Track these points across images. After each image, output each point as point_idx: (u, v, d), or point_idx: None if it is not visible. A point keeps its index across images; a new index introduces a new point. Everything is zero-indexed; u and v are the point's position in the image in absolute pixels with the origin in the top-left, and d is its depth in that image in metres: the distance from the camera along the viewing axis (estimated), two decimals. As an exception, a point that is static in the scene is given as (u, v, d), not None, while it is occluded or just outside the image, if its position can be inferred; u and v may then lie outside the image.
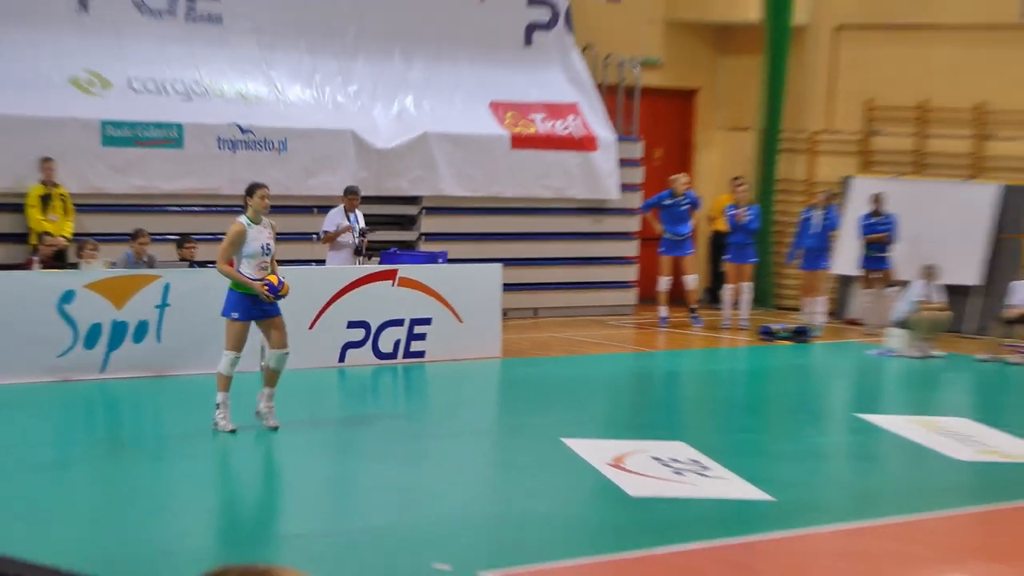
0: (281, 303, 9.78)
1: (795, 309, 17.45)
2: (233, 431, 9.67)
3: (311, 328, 11.93)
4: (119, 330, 11.53)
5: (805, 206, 16.53)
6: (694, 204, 15.60)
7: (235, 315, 9.19)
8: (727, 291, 15.94)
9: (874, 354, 15.13)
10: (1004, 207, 15.86)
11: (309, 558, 7.75)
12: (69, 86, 13.67)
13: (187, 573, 5.89)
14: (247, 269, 9.26)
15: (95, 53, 14.18)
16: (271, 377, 9.45)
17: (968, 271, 15.59)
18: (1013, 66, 16.89)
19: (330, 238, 12.73)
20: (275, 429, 9.68)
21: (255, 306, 9.37)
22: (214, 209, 14.08)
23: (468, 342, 13.14)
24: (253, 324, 9.40)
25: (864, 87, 18.17)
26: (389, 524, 8.72)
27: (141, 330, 11.61)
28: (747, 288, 15.75)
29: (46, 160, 12.84)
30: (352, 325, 12.46)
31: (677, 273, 15.78)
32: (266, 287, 9.35)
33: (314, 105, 14.94)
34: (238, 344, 9.19)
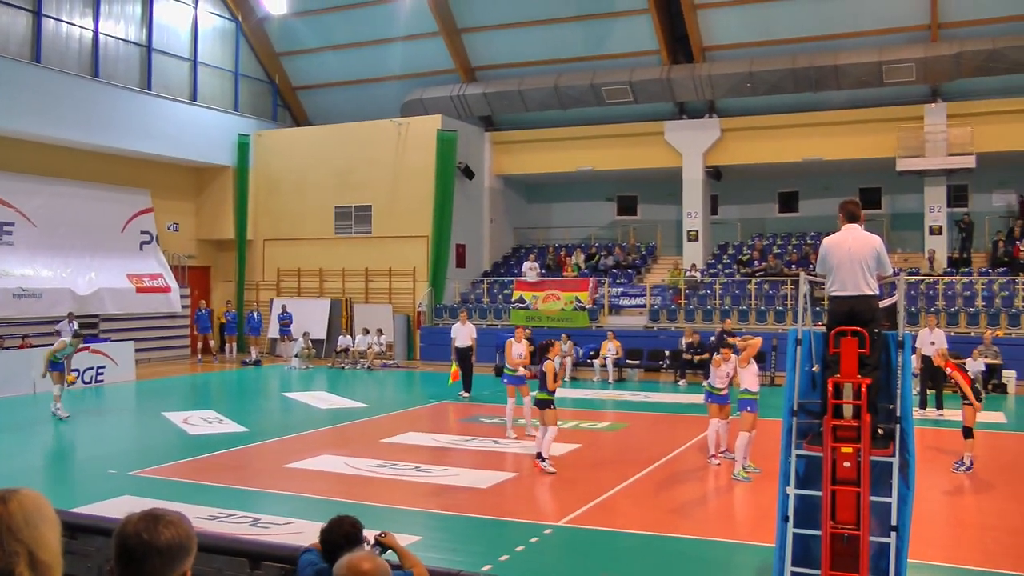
0: None
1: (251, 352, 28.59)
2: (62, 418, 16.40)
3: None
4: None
5: (248, 310, 29.23)
6: (208, 315, 28.80)
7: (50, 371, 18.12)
8: (226, 347, 29.04)
9: (287, 368, 25.61)
10: (332, 309, 29.66)
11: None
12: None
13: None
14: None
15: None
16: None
17: (320, 331, 28.96)
18: (332, 253, 29.47)
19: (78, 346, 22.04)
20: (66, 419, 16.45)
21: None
22: (8, 323, 24.29)
23: (124, 375, 24.17)
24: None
25: (276, 263, 30.73)
26: (96, 455, 13.35)
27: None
28: (236, 346, 29.28)
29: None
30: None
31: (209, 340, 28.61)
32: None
33: (54, 278, 25.54)
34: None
